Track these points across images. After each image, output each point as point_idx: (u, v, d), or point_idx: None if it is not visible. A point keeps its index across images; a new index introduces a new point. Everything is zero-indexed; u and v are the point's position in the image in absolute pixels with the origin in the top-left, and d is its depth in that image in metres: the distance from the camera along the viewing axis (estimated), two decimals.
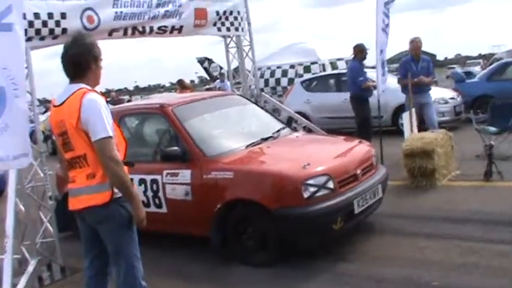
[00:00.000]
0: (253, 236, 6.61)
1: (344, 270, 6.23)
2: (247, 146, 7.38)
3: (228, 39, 11.47)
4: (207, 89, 29.70)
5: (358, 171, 6.97)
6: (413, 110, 11.29)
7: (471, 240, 6.59)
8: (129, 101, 34.54)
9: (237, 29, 11.02)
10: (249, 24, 11.30)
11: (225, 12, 10.63)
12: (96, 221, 4.42)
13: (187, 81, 20.01)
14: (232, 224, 6.71)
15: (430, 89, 11.81)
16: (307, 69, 22.25)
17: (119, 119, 7.83)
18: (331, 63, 22.26)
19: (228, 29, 10.88)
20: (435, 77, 12.77)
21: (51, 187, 7.40)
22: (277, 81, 22.75)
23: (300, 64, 22.55)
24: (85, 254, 4.74)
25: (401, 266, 6.11)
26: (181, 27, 9.73)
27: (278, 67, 22.94)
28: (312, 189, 6.34)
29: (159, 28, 9.32)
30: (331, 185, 6.48)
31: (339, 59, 22.31)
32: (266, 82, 22.54)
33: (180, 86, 18.53)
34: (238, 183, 6.63)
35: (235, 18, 10.88)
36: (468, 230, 6.99)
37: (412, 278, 5.76)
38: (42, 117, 25.91)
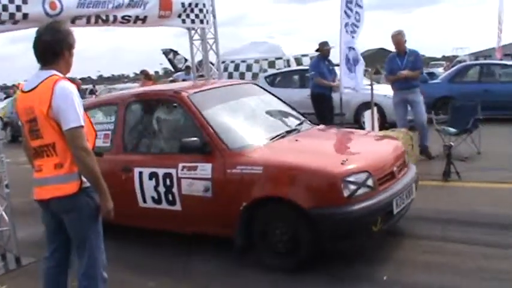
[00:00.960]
0: (283, 238, 5.99)
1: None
2: (272, 139, 6.79)
3: (193, 32, 11.39)
4: (171, 81, 29.53)
5: (395, 169, 6.48)
6: (375, 108, 11.39)
7: (430, 239, 6.66)
8: (92, 90, 34.19)
9: (201, 22, 10.93)
10: (214, 17, 11.22)
11: (190, 4, 10.54)
12: (63, 211, 4.36)
13: (151, 72, 19.87)
14: (260, 225, 6.13)
15: (418, 85, 11.43)
16: (271, 64, 22.27)
17: (125, 105, 7.53)
18: (295, 59, 22.29)
19: (193, 21, 10.79)
20: (422, 72, 12.51)
21: (7, 175, 7.28)
22: (242, 75, 22.71)
23: (265, 59, 22.56)
24: (47, 244, 4.69)
25: (358, 262, 6.15)
26: (146, 17, 9.62)
27: (242, 61, 22.92)
28: (352, 187, 5.76)
29: (122, 17, 9.19)
30: (370, 182, 5.93)
31: (303, 55, 22.34)
32: (230, 76, 22.46)
33: (145, 76, 18.36)
34: (268, 179, 6.00)
35: (201, 11, 10.80)
36: (426, 228, 7.06)
37: (367, 275, 5.82)
38: (1, 104, 25.55)
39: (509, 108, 15.97)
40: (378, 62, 46.96)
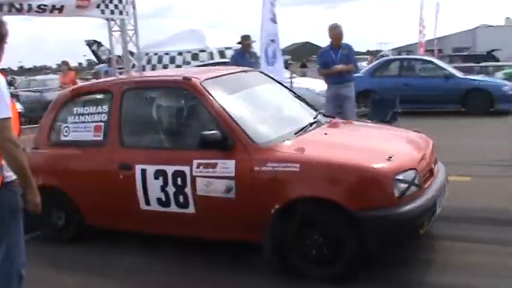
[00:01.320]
0: (323, 243, 5.31)
1: None
2: (297, 132, 6.01)
3: (112, 23, 11.25)
4: (94, 73, 29.25)
5: (433, 165, 5.95)
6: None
7: None
8: (10, 82, 33.38)
9: (121, 13, 10.82)
10: (134, 8, 11.13)
11: None
12: None
13: (74, 63, 19.58)
14: (294, 229, 5.37)
15: (352, 80, 11.04)
16: (195, 56, 22.19)
17: (123, 93, 6.57)
18: (219, 51, 22.27)
19: (112, 12, 10.67)
20: (357, 66, 12.46)
21: None
22: (165, 67, 22.52)
23: (188, 51, 22.47)
24: None
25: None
26: (62, 7, 9.44)
27: (166, 53, 22.76)
28: (402, 185, 5.17)
29: (38, 6, 9.00)
30: (417, 181, 5.34)
31: (227, 48, 22.30)
32: (153, 68, 22.28)
33: (68, 67, 18.05)
34: (306, 178, 5.29)
35: (120, 1, 10.70)
36: None
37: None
38: None
39: (427, 102, 16.49)
40: (304, 56, 47.36)
